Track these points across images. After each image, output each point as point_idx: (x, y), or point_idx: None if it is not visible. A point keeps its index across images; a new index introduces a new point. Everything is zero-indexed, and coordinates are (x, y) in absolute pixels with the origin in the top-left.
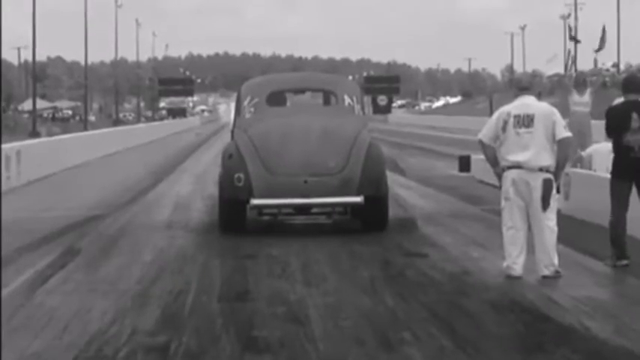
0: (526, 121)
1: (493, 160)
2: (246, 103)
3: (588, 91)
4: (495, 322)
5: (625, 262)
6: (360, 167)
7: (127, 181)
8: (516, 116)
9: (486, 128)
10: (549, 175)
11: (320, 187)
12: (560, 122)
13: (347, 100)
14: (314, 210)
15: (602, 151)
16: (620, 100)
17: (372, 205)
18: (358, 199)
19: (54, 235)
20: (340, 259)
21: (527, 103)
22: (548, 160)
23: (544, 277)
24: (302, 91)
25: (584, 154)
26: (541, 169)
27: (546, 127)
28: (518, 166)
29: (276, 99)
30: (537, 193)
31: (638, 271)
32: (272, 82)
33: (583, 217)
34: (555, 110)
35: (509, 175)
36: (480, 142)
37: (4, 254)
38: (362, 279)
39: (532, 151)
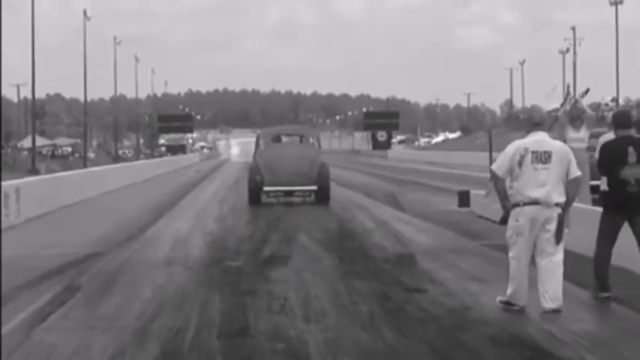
0: (543, 157)
1: (503, 193)
2: (261, 141)
3: (584, 126)
4: (495, 356)
5: (606, 294)
6: (316, 172)
7: (127, 218)
8: (534, 152)
9: (501, 161)
10: (560, 210)
11: (297, 181)
12: (574, 161)
13: (311, 140)
14: (295, 193)
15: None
16: (607, 135)
17: (322, 190)
18: (314, 187)
19: (53, 272)
20: (339, 295)
21: (543, 140)
22: (560, 196)
23: (545, 310)
24: (289, 135)
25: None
26: (556, 205)
27: (562, 164)
28: (535, 202)
29: (276, 139)
30: (552, 228)
31: (637, 305)
32: (274, 130)
33: (582, 251)
34: (569, 149)
35: (526, 211)
36: (494, 174)
37: (3, 292)
38: (361, 314)
39: (548, 188)
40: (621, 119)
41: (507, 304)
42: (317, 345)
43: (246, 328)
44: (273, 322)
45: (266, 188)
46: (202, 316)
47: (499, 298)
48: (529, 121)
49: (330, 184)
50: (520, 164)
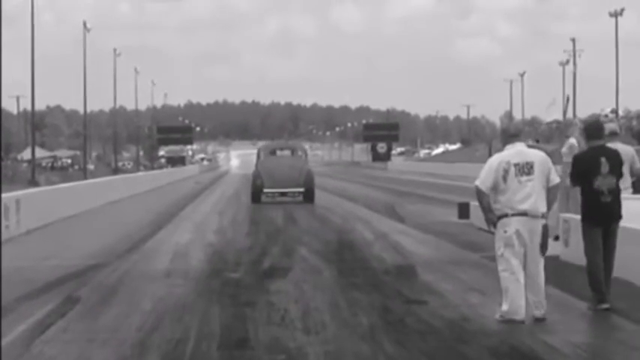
0: (526, 168)
1: (488, 208)
2: (261, 154)
3: (569, 141)
4: None
5: (605, 306)
6: (304, 178)
7: (126, 230)
8: (516, 165)
9: (485, 176)
10: (545, 221)
11: (289, 185)
12: (553, 168)
13: (300, 153)
14: (288, 194)
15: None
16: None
17: (307, 192)
18: (302, 189)
19: (53, 284)
20: (339, 307)
21: (522, 151)
22: (545, 205)
23: (538, 317)
24: (283, 149)
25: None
26: (542, 216)
27: (544, 173)
28: (523, 213)
29: (272, 152)
30: (538, 239)
31: (636, 316)
32: (271, 145)
33: (582, 264)
34: (548, 157)
35: (513, 223)
36: (478, 189)
37: (3, 303)
38: (361, 326)
39: (534, 198)
40: (593, 130)
41: (505, 318)
42: (317, 357)
43: (246, 339)
44: (273, 334)
45: (265, 190)
46: (202, 327)
47: (497, 316)
48: (505, 133)
49: (315, 188)
50: (504, 178)
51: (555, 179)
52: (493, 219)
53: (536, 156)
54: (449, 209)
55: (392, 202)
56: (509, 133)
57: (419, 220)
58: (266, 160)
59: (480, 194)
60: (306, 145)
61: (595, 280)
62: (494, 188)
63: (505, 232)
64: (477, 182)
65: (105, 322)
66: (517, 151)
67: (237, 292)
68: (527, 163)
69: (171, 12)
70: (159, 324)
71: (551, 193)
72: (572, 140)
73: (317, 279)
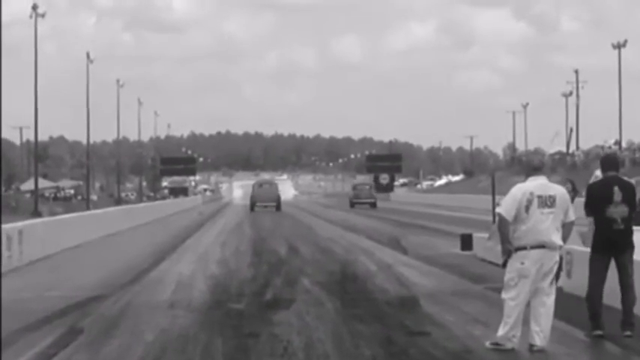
0: (549, 201)
1: (507, 237)
2: (255, 186)
3: (595, 173)
4: None
5: (599, 332)
6: (276, 198)
7: (129, 261)
8: (540, 197)
9: (508, 205)
10: (560, 253)
11: (268, 201)
12: (571, 205)
13: (274, 185)
14: (268, 206)
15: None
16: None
17: (278, 205)
18: (275, 204)
19: (56, 315)
20: (342, 338)
21: (545, 184)
22: (560, 238)
23: (535, 347)
24: (266, 183)
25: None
26: (560, 247)
27: (563, 208)
28: (542, 245)
29: (261, 185)
30: (553, 270)
31: (634, 346)
32: (260, 181)
33: (585, 295)
34: (567, 194)
35: (533, 255)
36: (502, 218)
37: (5, 335)
38: (364, 358)
39: (553, 231)
40: (609, 161)
41: (497, 345)
42: None
43: None
44: None
45: (257, 204)
46: (205, 359)
47: (488, 343)
48: (528, 165)
49: (281, 203)
50: (527, 209)
51: (572, 216)
52: (510, 249)
53: (558, 190)
54: (451, 241)
55: (395, 234)
56: (533, 166)
57: (422, 251)
58: (257, 189)
59: (503, 222)
60: (309, 177)
61: (592, 306)
62: (515, 217)
63: (522, 263)
64: (501, 211)
65: (107, 353)
66: (540, 184)
67: (240, 324)
68: (549, 197)
69: (172, 43)
70: (161, 355)
71: (566, 228)
72: (598, 172)
73: (320, 310)
